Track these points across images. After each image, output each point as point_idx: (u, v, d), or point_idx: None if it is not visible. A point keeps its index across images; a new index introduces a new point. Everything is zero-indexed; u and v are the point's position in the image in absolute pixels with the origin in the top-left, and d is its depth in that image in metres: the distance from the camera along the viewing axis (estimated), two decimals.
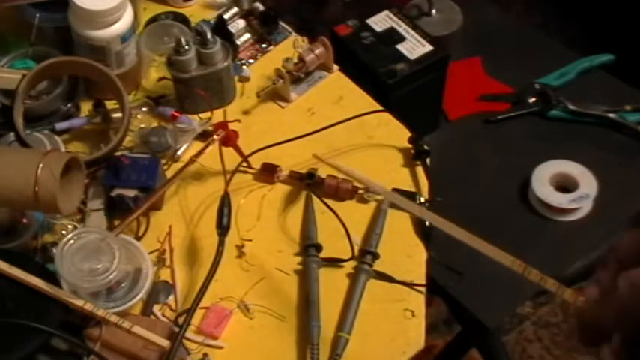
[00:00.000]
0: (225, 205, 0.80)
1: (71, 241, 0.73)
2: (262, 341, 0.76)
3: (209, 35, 0.89)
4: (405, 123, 0.92)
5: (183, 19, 1.02)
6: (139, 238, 0.82)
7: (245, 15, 1.00)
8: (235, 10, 1.00)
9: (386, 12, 1.10)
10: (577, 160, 1.11)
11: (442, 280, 0.90)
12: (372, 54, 1.05)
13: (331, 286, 0.79)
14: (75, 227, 0.82)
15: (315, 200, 0.84)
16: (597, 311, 0.45)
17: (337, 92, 0.96)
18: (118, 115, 0.89)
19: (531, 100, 1.21)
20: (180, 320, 0.75)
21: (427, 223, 0.83)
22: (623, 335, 0.43)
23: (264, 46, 1.01)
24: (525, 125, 1.20)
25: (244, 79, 0.98)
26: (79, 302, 0.72)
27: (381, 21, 1.09)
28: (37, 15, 0.92)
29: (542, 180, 1.09)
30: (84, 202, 0.84)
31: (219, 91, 0.93)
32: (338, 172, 0.86)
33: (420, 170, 0.88)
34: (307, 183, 0.85)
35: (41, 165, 0.71)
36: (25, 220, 0.81)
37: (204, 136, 0.90)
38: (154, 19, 1.02)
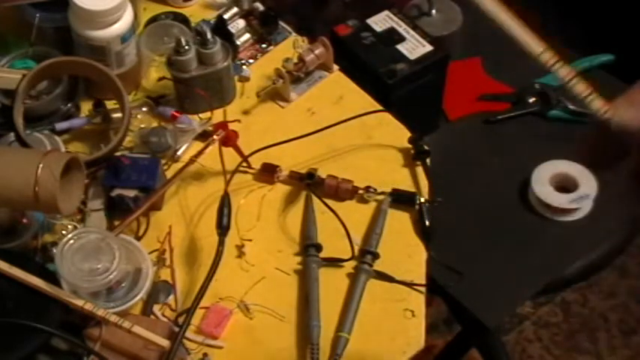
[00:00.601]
0: (225, 205, 0.80)
1: (71, 241, 0.73)
2: (262, 341, 0.76)
3: (209, 35, 0.89)
4: (405, 123, 0.92)
5: (183, 19, 1.02)
6: (139, 238, 0.82)
7: (245, 15, 1.00)
8: (235, 10, 1.00)
9: (386, 12, 1.10)
10: (577, 160, 1.10)
11: (442, 280, 0.90)
12: (372, 54, 1.05)
13: (331, 286, 0.79)
14: (75, 227, 0.82)
15: (315, 200, 0.84)
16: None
17: (337, 92, 0.96)
18: (118, 115, 0.88)
19: (531, 100, 1.21)
20: (180, 320, 0.75)
21: (427, 223, 0.83)
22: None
23: (264, 46, 1.01)
24: (525, 125, 1.20)
25: (244, 79, 0.98)
26: (79, 302, 0.72)
27: (381, 21, 1.09)
28: (37, 15, 0.92)
29: (542, 180, 1.09)
30: (84, 202, 0.84)
31: (219, 91, 0.93)
32: (339, 172, 0.86)
33: (420, 170, 0.88)
34: (307, 183, 0.85)
35: (41, 165, 0.71)
36: (25, 220, 0.81)
37: (204, 136, 0.90)
38: (154, 19, 1.02)
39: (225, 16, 0.99)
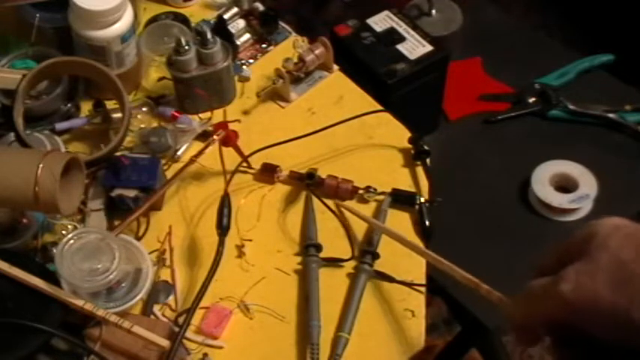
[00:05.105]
0: (225, 205, 0.80)
1: (71, 241, 0.73)
2: (262, 341, 0.76)
3: (209, 35, 0.89)
4: (405, 123, 0.92)
5: (184, 19, 1.02)
6: (139, 238, 0.82)
7: (245, 15, 1.00)
8: (235, 10, 1.00)
9: (386, 12, 1.10)
10: (577, 160, 1.11)
11: (442, 280, 0.90)
12: (372, 54, 1.05)
13: (331, 286, 0.79)
14: (75, 227, 0.82)
15: (315, 200, 0.84)
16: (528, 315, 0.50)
17: (337, 92, 0.96)
18: (118, 115, 0.89)
19: (531, 100, 1.21)
20: (180, 320, 0.75)
21: (427, 223, 0.83)
22: (552, 336, 0.49)
23: (264, 46, 1.01)
24: (525, 125, 1.20)
25: (244, 79, 0.98)
26: (79, 302, 0.72)
27: (381, 21, 1.09)
28: (37, 15, 0.92)
29: (542, 180, 1.09)
30: (84, 202, 0.84)
31: (219, 91, 0.93)
32: (339, 172, 0.86)
33: (420, 170, 0.88)
34: (307, 183, 0.85)
35: (41, 165, 0.71)
36: (25, 220, 0.81)
37: (204, 136, 0.90)
38: (154, 19, 1.02)
39: (225, 16, 0.99)
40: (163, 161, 0.88)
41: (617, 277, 0.45)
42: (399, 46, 1.06)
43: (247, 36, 1.00)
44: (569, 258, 0.48)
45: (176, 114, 0.92)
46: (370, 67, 1.04)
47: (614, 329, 0.45)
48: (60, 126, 0.90)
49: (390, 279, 0.79)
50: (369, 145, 0.91)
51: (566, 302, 0.46)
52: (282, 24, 1.03)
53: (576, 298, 0.46)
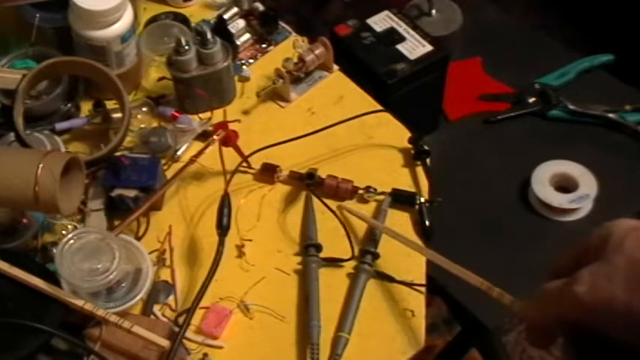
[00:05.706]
0: (225, 205, 0.80)
1: (71, 241, 0.73)
2: (262, 341, 0.76)
3: (209, 35, 0.89)
4: (405, 123, 0.92)
5: (184, 19, 1.02)
6: (139, 238, 0.82)
7: (245, 15, 1.00)
8: (235, 10, 1.00)
9: (386, 12, 1.10)
10: (577, 160, 1.10)
11: (442, 280, 0.90)
12: (372, 54, 1.05)
13: (331, 286, 0.79)
14: (75, 227, 0.82)
15: (315, 200, 0.84)
16: (542, 318, 0.51)
17: (337, 92, 0.96)
18: (118, 115, 0.89)
19: (531, 100, 1.21)
20: (180, 320, 0.75)
21: (427, 223, 0.83)
22: (565, 336, 0.49)
23: (264, 46, 1.01)
24: (525, 125, 1.20)
25: (244, 79, 0.98)
26: (79, 302, 0.72)
27: (381, 21, 1.09)
28: (37, 15, 0.92)
29: (542, 180, 1.09)
30: (84, 202, 0.84)
31: (219, 91, 0.93)
32: (339, 172, 0.86)
33: (420, 170, 0.88)
34: (307, 183, 0.85)
35: (41, 165, 0.71)
36: (25, 220, 0.81)
37: (204, 136, 0.90)
38: (154, 19, 1.02)
39: (225, 16, 0.99)
40: (163, 161, 0.88)
41: (632, 278, 0.45)
42: (399, 46, 1.06)
43: (247, 36, 1.00)
44: (584, 259, 0.48)
45: (176, 114, 0.92)
46: (370, 67, 1.04)
47: (629, 330, 0.45)
48: (60, 126, 0.90)
49: (390, 279, 0.79)
50: (369, 145, 0.91)
51: (581, 303, 0.46)
52: (282, 24, 1.03)
53: (591, 299, 0.46)
